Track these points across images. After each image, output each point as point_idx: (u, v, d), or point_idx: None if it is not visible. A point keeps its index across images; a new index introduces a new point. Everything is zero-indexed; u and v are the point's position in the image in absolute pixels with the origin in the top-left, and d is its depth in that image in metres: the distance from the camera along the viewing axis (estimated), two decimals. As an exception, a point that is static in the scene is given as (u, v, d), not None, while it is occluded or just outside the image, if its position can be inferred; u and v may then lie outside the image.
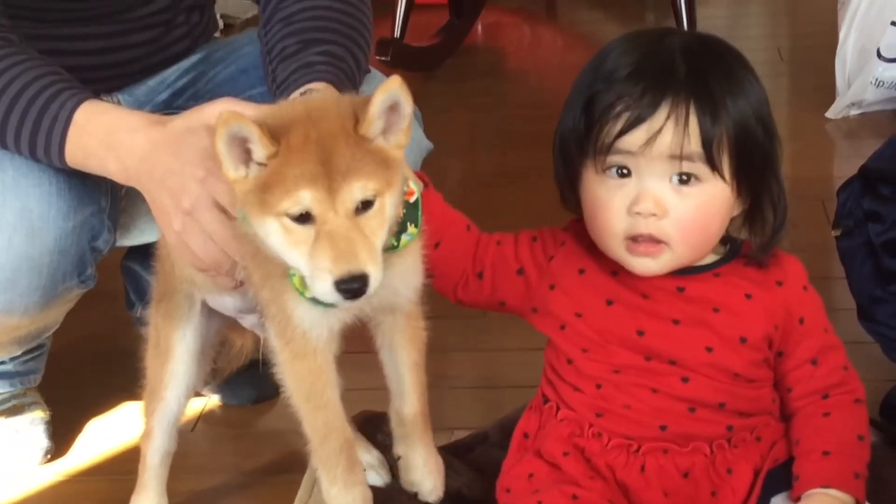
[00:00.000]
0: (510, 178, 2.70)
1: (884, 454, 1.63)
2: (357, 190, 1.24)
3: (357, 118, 1.26)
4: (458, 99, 3.41)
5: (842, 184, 1.81)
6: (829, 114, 3.00)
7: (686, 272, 1.39)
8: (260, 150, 1.25)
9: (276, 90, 1.55)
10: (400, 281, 1.36)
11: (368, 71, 1.65)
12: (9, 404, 1.87)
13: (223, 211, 1.36)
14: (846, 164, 2.57)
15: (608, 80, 1.36)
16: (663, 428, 1.39)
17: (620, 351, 1.40)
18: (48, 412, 1.88)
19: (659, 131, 1.32)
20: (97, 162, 1.46)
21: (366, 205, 1.26)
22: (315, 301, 1.31)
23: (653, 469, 1.39)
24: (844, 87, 3.00)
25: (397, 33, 3.47)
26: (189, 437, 1.89)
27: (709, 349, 1.38)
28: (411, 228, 1.34)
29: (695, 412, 1.39)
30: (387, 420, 1.50)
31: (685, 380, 1.38)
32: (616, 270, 1.41)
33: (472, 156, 3.08)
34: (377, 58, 3.37)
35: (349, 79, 1.55)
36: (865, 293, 1.76)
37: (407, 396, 1.45)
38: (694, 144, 1.33)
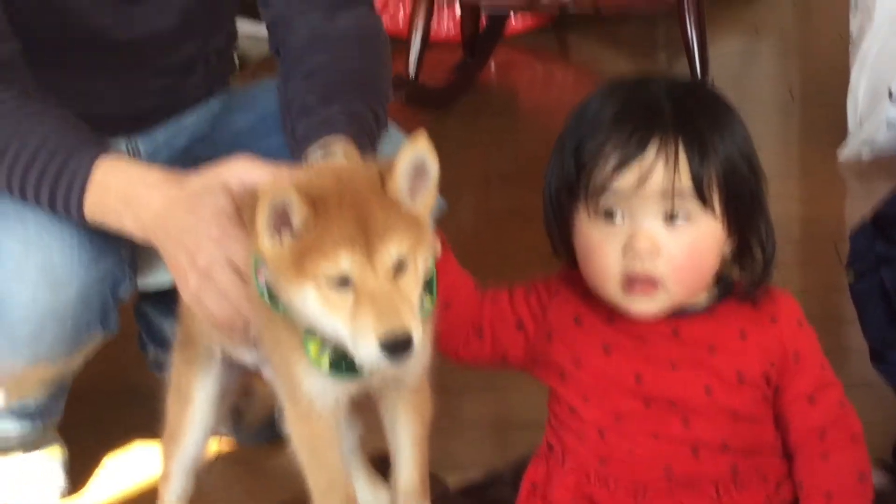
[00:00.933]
0: (522, 217, 2.71)
1: (895, 498, 1.64)
2: (394, 251, 1.25)
3: (384, 179, 1.28)
4: (471, 137, 3.42)
5: (854, 227, 1.82)
6: (841, 154, 3.00)
7: (680, 314, 1.40)
8: (298, 216, 1.26)
9: (295, 144, 1.57)
10: (414, 363, 1.36)
11: (387, 127, 1.67)
12: (27, 442, 1.88)
13: (238, 271, 1.37)
14: (858, 206, 2.58)
15: (595, 125, 1.37)
16: (668, 471, 1.39)
17: (620, 398, 1.40)
18: (65, 450, 1.89)
19: (650, 170, 1.34)
20: (115, 218, 1.48)
21: (401, 265, 1.27)
22: (333, 372, 1.32)
23: None
24: (856, 127, 3.00)
25: (411, 72, 3.49)
26: (204, 475, 1.89)
27: (708, 390, 1.39)
28: (427, 301, 1.35)
29: (698, 454, 1.40)
30: None
31: (686, 422, 1.39)
32: (611, 316, 1.42)
33: (485, 194, 3.09)
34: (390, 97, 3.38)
35: (368, 134, 1.57)
36: (878, 336, 1.77)
37: (405, 470, 1.46)
38: (685, 180, 1.34)
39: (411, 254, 1.27)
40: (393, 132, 1.71)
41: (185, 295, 1.43)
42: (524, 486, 1.49)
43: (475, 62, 3.82)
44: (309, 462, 1.41)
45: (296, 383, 1.36)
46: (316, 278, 1.25)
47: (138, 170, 1.49)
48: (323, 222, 1.25)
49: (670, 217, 1.35)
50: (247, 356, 1.49)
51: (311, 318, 1.28)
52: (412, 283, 1.27)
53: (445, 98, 3.62)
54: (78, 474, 1.89)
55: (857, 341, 1.88)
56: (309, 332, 1.32)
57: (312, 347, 1.32)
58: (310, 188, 1.27)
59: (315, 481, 1.41)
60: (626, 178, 1.35)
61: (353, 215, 1.25)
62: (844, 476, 1.42)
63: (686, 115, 1.36)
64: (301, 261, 1.26)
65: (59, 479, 1.86)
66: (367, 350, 1.24)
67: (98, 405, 2.09)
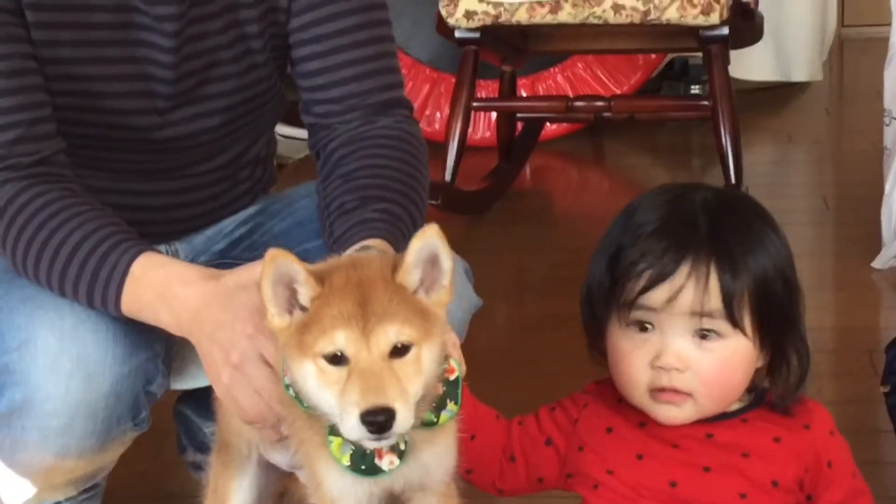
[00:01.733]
0: (556, 323, 2.71)
1: None
2: (392, 333, 1.27)
3: (395, 268, 1.30)
4: (505, 242, 3.44)
5: (890, 341, 1.82)
6: (876, 264, 2.99)
7: (713, 419, 1.41)
8: (305, 291, 1.29)
9: (332, 244, 1.59)
10: (434, 460, 1.37)
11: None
12: (62, 546, 1.88)
13: (270, 367, 1.39)
14: (893, 316, 2.58)
15: (633, 237, 1.39)
16: None
17: None
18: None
19: (680, 289, 1.36)
20: (151, 313, 1.51)
21: (402, 351, 1.28)
22: (353, 471, 1.33)
23: None
24: (891, 237, 2.99)
25: (447, 177, 3.52)
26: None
27: (743, 496, 1.39)
28: (451, 406, 1.35)
29: None
30: None
31: None
32: (644, 422, 1.43)
33: (519, 299, 3.10)
34: (427, 201, 3.41)
35: (405, 237, 1.59)
36: (913, 449, 1.76)
37: None
38: (714, 302, 1.36)
39: (415, 342, 1.28)
40: None
41: (219, 390, 1.45)
42: None
43: (510, 167, 3.85)
44: None
45: (318, 481, 1.37)
46: (315, 355, 1.28)
47: (176, 267, 1.52)
48: (326, 300, 1.28)
49: (700, 334, 1.37)
50: (280, 457, 1.50)
51: (309, 394, 1.30)
52: (410, 370, 1.28)
53: (480, 203, 3.65)
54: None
55: (891, 454, 1.88)
56: (333, 430, 1.33)
57: (335, 444, 1.33)
58: (320, 268, 1.31)
59: None
60: (657, 295, 1.37)
61: (355, 295, 1.27)
62: None
63: (720, 235, 1.37)
64: (303, 336, 1.28)
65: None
66: (350, 423, 1.25)
67: (133, 505, 2.10)
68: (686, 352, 1.37)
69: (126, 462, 1.79)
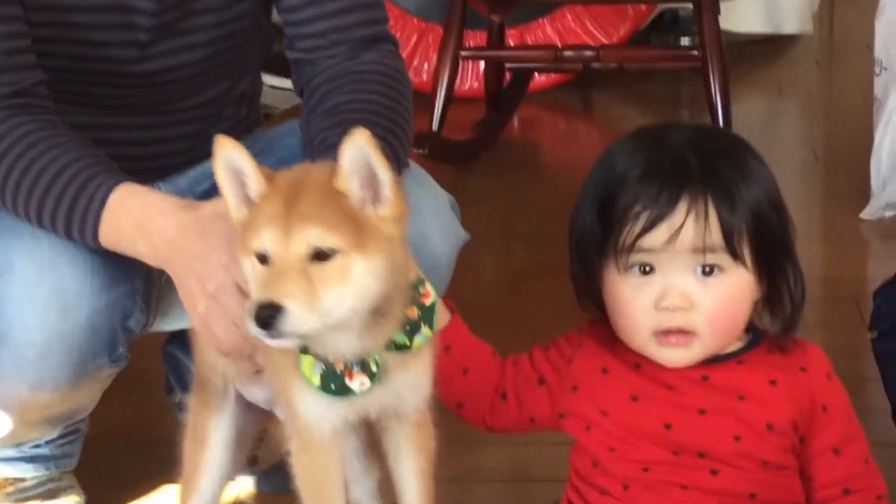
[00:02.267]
0: (544, 273, 2.71)
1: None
2: (312, 235, 1.26)
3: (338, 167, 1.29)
4: (493, 192, 3.43)
5: (878, 286, 1.81)
6: (864, 215, 3.00)
7: (709, 361, 1.40)
8: (253, 185, 1.30)
9: None
10: (407, 388, 1.37)
11: (408, 165, 1.68)
12: (44, 488, 1.87)
13: (246, 296, 1.38)
14: (881, 266, 2.58)
15: (622, 182, 1.38)
16: None
17: (649, 447, 1.40)
18: (83, 497, 1.89)
19: (680, 227, 1.35)
20: (129, 244, 1.50)
21: (324, 256, 1.26)
22: (323, 390, 1.32)
23: None
24: (879, 188, 3.00)
25: (435, 126, 3.50)
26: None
27: (737, 438, 1.38)
28: (425, 330, 1.35)
29: None
30: None
31: (715, 472, 1.39)
32: (639, 363, 1.42)
33: (507, 250, 3.09)
34: (414, 150, 3.39)
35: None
36: (901, 396, 1.76)
37: (412, 495, 1.45)
38: (715, 236, 1.35)
39: (342, 250, 1.26)
40: (417, 170, 1.72)
41: (195, 321, 1.45)
42: (544, 543, 1.49)
43: (498, 118, 3.83)
44: (308, 494, 1.41)
45: (292, 406, 1.36)
46: (249, 252, 1.28)
47: (153, 197, 1.51)
48: (266, 198, 1.29)
49: (702, 271, 1.36)
50: (257, 393, 1.49)
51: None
52: (331, 276, 1.26)
53: (468, 153, 3.63)
54: (96, 521, 1.89)
55: (879, 401, 1.88)
56: (303, 351, 1.33)
57: (305, 363, 1.32)
58: (272, 170, 1.32)
59: None
60: (657, 236, 1.35)
61: (288, 196, 1.28)
62: None
63: (713, 168, 1.37)
64: (244, 233, 1.30)
65: (76, 526, 1.86)
66: (249, 322, 1.25)
67: (119, 453, 2.09)
68: (690, 290, 1.36)
69: (111, 408, 1.79)
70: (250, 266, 1.29)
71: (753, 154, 1.42)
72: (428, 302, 1.35)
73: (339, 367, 1.32)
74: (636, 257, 1.37)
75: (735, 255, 1.36)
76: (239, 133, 1.87)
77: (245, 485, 1.98)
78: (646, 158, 1.38)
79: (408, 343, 1.34)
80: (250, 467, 1.97)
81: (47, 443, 1.86)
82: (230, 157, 1.31)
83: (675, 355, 1.39)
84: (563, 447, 1.49)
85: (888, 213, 2.99)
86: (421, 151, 3.38)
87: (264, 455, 1.91)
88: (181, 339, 1.97)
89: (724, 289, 1.37)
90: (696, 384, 1.40)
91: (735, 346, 1.42)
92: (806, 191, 3.25)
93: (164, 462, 1.93)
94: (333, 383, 1.32)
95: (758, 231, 1.37)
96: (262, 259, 1.28)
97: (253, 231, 1.28)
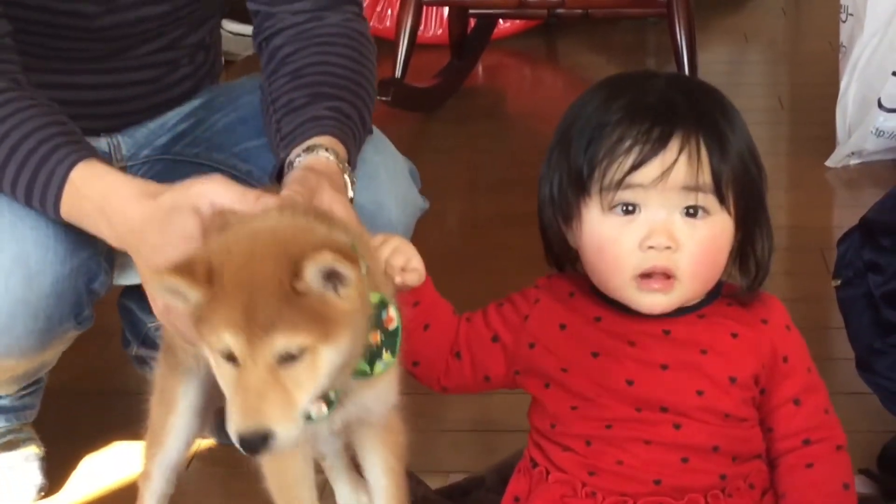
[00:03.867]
0: (509, 221, 2.70)
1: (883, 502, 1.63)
2: (279, 343, 1.20)
3: (297, 269, 1.21)
4: (458, 140, 3.41)
5: (842, 234, 1.81)
6: (830, 163, 3.00)
7: (671, 315, 1.39)
8: (193, 294, 1.22)
9: (279, 141, 1.56)
10: (373, 402, 1.35)
11: (371, 132, 1.66)
12: (4, 439, 1.85)
13: None
14: (846, 214, 2.58)
15: (603, 122, 1.35)
16: (657, 483, 1.37)
17: (611, 403, 1.38)
18: (43, 448, 1.87)
19: (673, 164, 1.33)
20: (91, 224, 1.48)
21: (293, 357, 1.21)
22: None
23: None
24: (845, 136, 3.00)
25: (398, 73, 3.47)
26: (182, 474, 1.87)
27: (700, 392, 1.37)
28: (387, 356, 1.31)
29: (688, 462, 1.38)
30: None
31: (677, 426, 1.38)
32: (599, 316, 1.40)
33: (472, 198, 3.08)
34: (378, 97, 3.37)
35: (354, 137, 1.56)
36: (864, 344, 1.76)
37: (382, 500, 1.43)
38: (706, 176, 1.34)
39: (309, 347, 1.21)
40: (377, 136, 1.70)
41: (156, 312, 1.43)
42: (506, 498, 1.47)
43: (462, 65, 3.80)
44: (279, 495, 1.39)
45: None
46: (210, 345, 1.24)
47: (115, 179, 1.47)
48: (216, 297, 1.22)
49: (690, 212, 1.35)
50: None
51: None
52: (303, 376, 1.22)
53: (432, 100, 3.61)
54: (56, 473, 1.87)
55: (842, 350, 1.88)
56: None
57: None
58: (218, 258, 1.23)
59: None
60: (647, 173, 1.34)
61: (243, 300, 1.21)
62: (829, 487, 1.41)
63: (703, 110, 1.36)
64: (199, 325, 1.24)
65: (36, 477, 1.84)
66: (233, 437, 1.22)
67: (77, 404, 2.08)
68: (676, 230, 1.35)
69: (70, 359, 1.77)
70: (212, 359, 1.24)
71: (731, 104, 1.40)
72: (391, 327, 1.32)
73: None
74: (622, 195, 1.35)
75: (722, 198, 1.35)
76: (199, 80, 1.85)
77: (205, 437, 1.97)
78: (632, 98, 1.36)
79: (368, 371, 1.31)
80: (217, 427, 1.96)
81: (7, 395, 1.84)
82: (167, 286, 1.23)
83: (654, 300, 1.37)
84: (526, 396, 1.48)
85: (853, 161, 3.00)
86: (384, 98, 3.35)
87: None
88: (136, 293, 1.95)
89: (709, 232, 1.36)
90: (658, 339, 1.39)
91: (696, 300, 1.41)
92: (771, 138, 3.25)
93: (122, 413, 1.92)
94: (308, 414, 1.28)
95: (741, 179, 1.36)
96: (229, 357, 1.22)
97: (212, 329, 1.22)
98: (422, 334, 1.44)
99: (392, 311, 1.32)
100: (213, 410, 1.57)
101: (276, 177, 1.52)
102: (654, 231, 1.34)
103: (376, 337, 1.31)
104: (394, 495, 1.43)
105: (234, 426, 1.21)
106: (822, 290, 2.11)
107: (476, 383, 1.48)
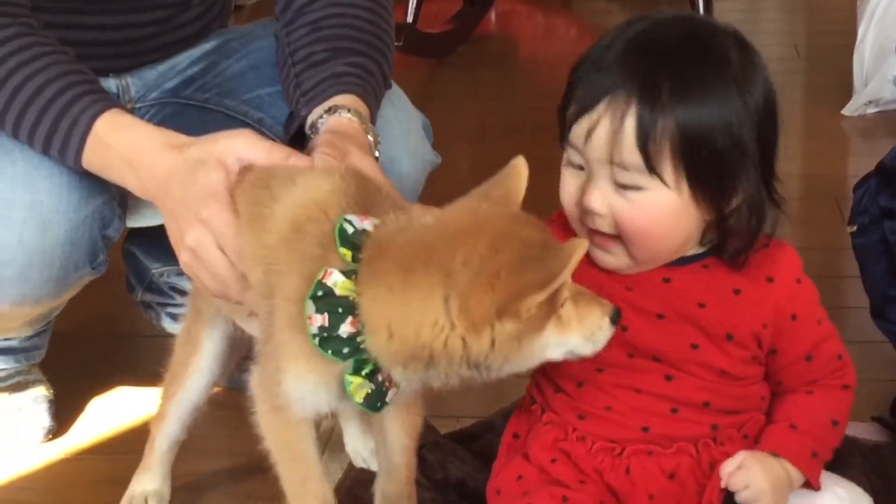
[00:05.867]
0: (520, 168, 2.68)
1: (893, 454, 1.62)
2: None
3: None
4: (469, 87, 3.39)
5: (858, 180, 1.79)
6: (846, 111, 2.98)
7: (673, 263, 1.35)
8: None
9: (299, 97, 1.54)
10: (405, 384, 1.31)
11: (390, 87, 1.64)
12: (12, 381, 1.86)
13: (225, 251, 1.35)
14: (862, 163, 2.54)
15: (588, 63, 1.32)
16: (645, 430, 1.36)
17: (604, 347, 1.34)
18: (51, 390, 1.87)
19: (592, 129, 1.28)
20: (117, 175, 1.46)
21: None
22: (368, 408, 1.27)
23: (637, 471, 1.36)
24: (861, 84, 2.97)
25: (410, 19, 3.45)
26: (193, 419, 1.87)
27: (694, 346, 1.35)
28: None
29: (677, 413, 1.35)
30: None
31: (669, 378, 1.35)
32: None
33: (482, 144, 3.06)
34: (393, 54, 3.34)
35: (375, 94, 1.55)
36: (879, 291, 1.74)
37: (392, 482, 1.43)
38: (629, 153, 1.28)
39: None
40: (394, 89, 1.68)
41: (181, 263, 1.41)
42: (506, 434, 1.46)
43: (475, 11, 3.77)
44: (280, 454, 1.36)
45: (280, 381, 1.30)
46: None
47: (141, 131, 1.45)
48: None
49: (619, 184, 1.30)
50: (254, 329, 1.45)
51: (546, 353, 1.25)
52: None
53: (443, 46, 3.58)
54: (64, 415, 1.87)
55: (857, 298, 1.86)
56: (356, 369, 1.25)
57: (353, 384, 1.26)
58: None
59: (289, 479, 1.37)
60: (577, 133, 1.31)
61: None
62: (818, 415, 1.38)
63: (655, 78, 1.27)
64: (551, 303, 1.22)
65: (44, 419, 1.84)
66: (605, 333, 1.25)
67: (85, 347, 2.08)
68: (606, 197, 1.30)
69: (78, 303, 1.76)
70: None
71: (724, 74, 1.29)
72: None
73: (387, 384, 1.27)
74: (569, 151, 1.32)
75: (653, 171, 1.28)
76: (209, 21, 1.82)
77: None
78: (621, 45, 1.30)
79: None
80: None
81: (18, 336, 1.84)
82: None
83: (602, 258, 1.35)
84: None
85: (870, 110, 2.98)
86: (396, 44, 3.32)
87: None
88: (141, 238, 1.94)
89: (641, 205, 1.30)
90: (657, 286, 1.35)
91: (696, 249, 1.36)
92: (787, 87, 3.22)
93: (129, 357, 1.92)
94: (379, 401, 1.28)
95: (692, 154, 1.28)
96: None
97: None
98: None
99: None
100: (234, 360, 1.57)
101: (294, 133, 1.51)
102: (587, 194, 1.31)
103: None
104: (404, 475, 1.42)
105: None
106: (837, 239, 2.10)
107: None
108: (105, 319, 2.16)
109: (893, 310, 1.72)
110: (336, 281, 1.22)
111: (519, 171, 1.27)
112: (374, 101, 1.53)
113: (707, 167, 1.29)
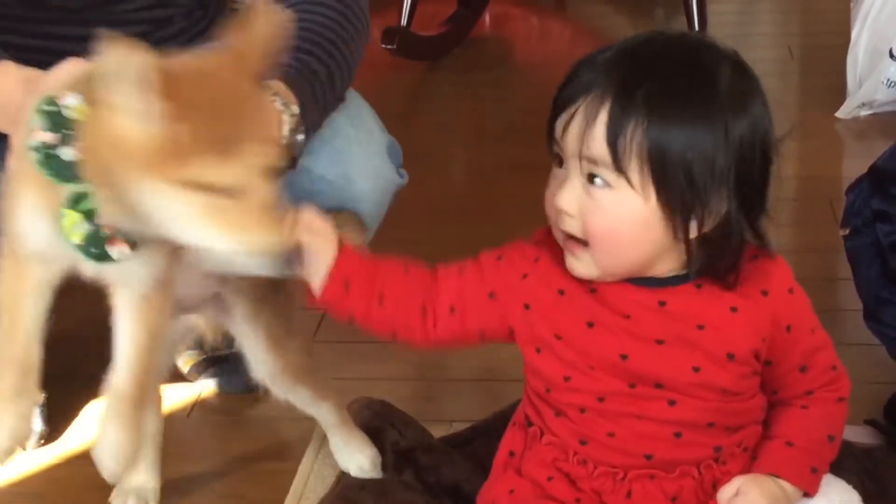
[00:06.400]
0: (514, 171, 2.68)
1: (886, 457, 1.62)
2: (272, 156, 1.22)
3: None
4: (464, 90, 3.38)
5: (851, 183, 1.79)
6: (840, 113, 2.98)
7: (666, 283, 1.33)
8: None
9: None
10: (124, 273, 1.31)
11: (342, 99, 1.64)
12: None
13: None
14: (855, 165, 2.55)
15: (575, 69, 1.30)
16: (649, 457, 1.35)
17: (604, 377, 1.34)
18: (43, 395, 1.86)
19: (568, 122, 1.27)
20: None
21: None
22: (82, 251, 1.25)
23: (639, 495, 1.35)
24: (855, 86, 2.97)
25: (404, 21, 3.44)
26: (184, 423, 1.87)
27: (696, 369, 1.33)
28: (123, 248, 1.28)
29: (681, 437, 1.34)
30: (398, 414, 1.46)
31: (672, 403, 1.34)
32: (594, 288, 1.34)
33: (477, 147, 3.05)
34: (383, 46, 3.34)
35: (313, 93, 1.52)
36: (872, 294, 1.74)
37: (120, 373, 1.41)
38: (598, 147, 1.26)
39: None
40: (359, 109, 1.68)
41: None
42: (501, 452, 1.44)
43: (469, 13, 3.77)
44: (5, 305, 1.33)
45: (16, 227, 1.29)
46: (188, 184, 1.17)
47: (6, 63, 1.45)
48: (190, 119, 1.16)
49: (589, 178, 1.28)
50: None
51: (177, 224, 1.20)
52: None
53: (438, 49, 3.58)
54: (57, 419, 1.87)
55: (850, 301, 1.86)
56: (71, 205, 1.24)
57: (69, 219, 1.24)
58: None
59: None
60: (557, 126, 1.29)
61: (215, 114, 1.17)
62: (814, 432, 1.38)
63: (633, 86, 1.25)
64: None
65: (36, 423, 1.83)
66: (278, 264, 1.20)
67: (76, 350, 2.06)
68: (577, 197, 1.28)
69: (70, 307, 1.74)
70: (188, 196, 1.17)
71: (713, 99, 1.26)
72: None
73: (106, 232, 1.24)
74: (554, 146, 1.31)
75: (620, 172, 1.25)
76: (193, 38, 1.78)
77: (207, 386, 1.96)
78: (612, 50, 1.29)
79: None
80: (205, 369, 1.96)
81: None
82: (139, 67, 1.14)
83: (571, 263, 1.32)
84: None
85: (863, 112, 2.97)
86: (390, 47, 3.32)
87: (210, 351, 1.89)
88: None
89: (606, 204, 1.27)
90: (654, 311, 1.33)
91: (681, 271, 1.33)
92: (781, 89, 3.22)
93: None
94: (95, 247, 1.25)
95: (659, 163, 1.25)
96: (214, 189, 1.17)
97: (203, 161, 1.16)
98: (380, 308, 1.38)
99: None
100: (203, 358, 1.56)
101: None
102: (560, 197, 1.29)
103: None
104: (133, 370, 1.39)
105: (278, 246, 1.18)
106: (831, 241, 2.09)
107: (469, 337, 1.42)
108: (97, 322, 2.15)
109: (886, 312, 1.72)
110: (71, 102, 1.22)
111: (263, 19, 1.23)
112: (308, 97, 1.50)
113: (674, 180, 1.26)
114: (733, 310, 1.33)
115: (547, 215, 1.34)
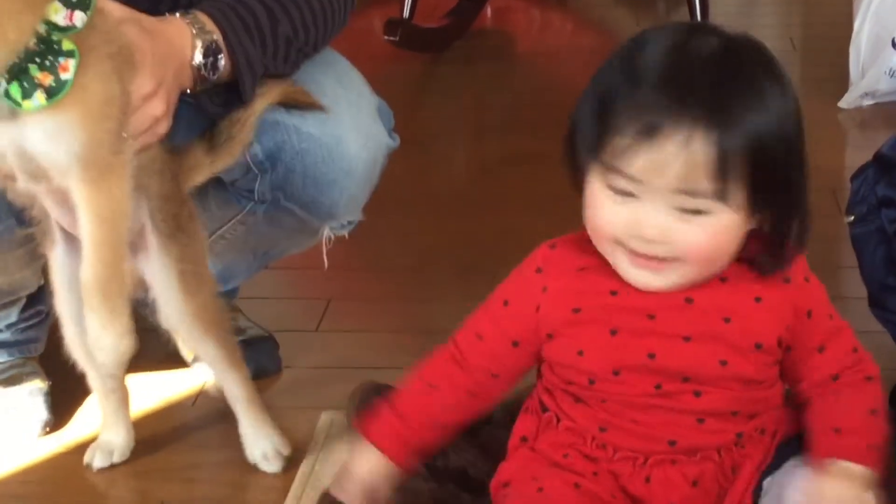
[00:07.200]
0: (517, 164, 2.67)
1: (891, 443, 1.61)
2: None
3: None
4: (465, 82, 3.38)
5: (856, 170, 1.79)
6: (842, 104, 2.98)
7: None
8: None
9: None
10: (45, 138, 1.32)
11: (313, 46, 1.63)
12: (7, 374, 1.85)
13: None
14: (858, 155, 2.54)
15: (630, 83, 1.26)
16: (672, 444, 1.34)
17: (630, 378, 1.33)
18: (48, 383, 1.86)
19: (663, 162, 1.23)
20: None
21: None
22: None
23: (658, 479, 1.34)
24: (858, 76, 2.97)
25: (406, 13, 3.44)
26: (189, 411, 1.87)
27: (723, 363, 1.32)
28: (41, 99, 1.30)
29: (703, 423, 1.34)
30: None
31: (698, 394, 1.33)
32: (615, 290, 1.33)
33: (479, 140, 3.05)
34: (385, 38, 3.34)
35: (246, 28, 1.53)
36: (877, 281, 1.74)
37: (84, 267, 1.41)
38: (703, 181, 1.23)
39: None
40: (345, 70, 1.67)
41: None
42: (513, 438, 1.44)
43: (471, 5, 3.77)
44: None
45: None
46: None
47: None
48: None
49: (682, 210, 1.26)
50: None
51: None
52: None
53: (440, 41, 3.57)
54: (62, 407, 1.86)
55: (855, 289, 1.86)
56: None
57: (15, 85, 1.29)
58: None
59: None
60: (637, 165, 1.24)
61: None
62: (855, 412, 1.37)
63: (720, 101, 1.22)
64: None
65: (41, 412, 1.83)
66: None
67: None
68: (667, 226, 1.26)
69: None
70: None
71: (776, 79, 1.27)
72: (63, 76, 1.30)
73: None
74: (617, 181, 1.26)
75: (725, 198, 1.24)
76: None
77: (210, 374, 1.96)
78: (663, 64, 1.25)
79: (20, 102, 1.29)
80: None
81: (9, 328, 1.83)
82: None
83: (646, 279, 1.30)
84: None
85: (866, 102, 2.97)
86: (392, 39, 3.32)
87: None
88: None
89: (707, 229, 1.26)
90: (680, 309, 1.31)
91: (704, 279, 1.32)
92: (783, 80, 3.21)
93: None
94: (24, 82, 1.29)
95: (757, 172, 1.24)
96: None
97: None
98: (443, 429, 1.43)
99: (71, 65, 1.30)
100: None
101: None
102: (644, 225, 1.26)
103: (46, 77, 1.29)
104: (93, 260, 1.40)
105: None
106: (835, 231, 2.09)
107: (521, 375, 1.42)
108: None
109: (891, 299, 1.72)
110: None
111: None
112: (238, 27, 1.51)
113: (770, 183, 1.26)
114: (757, 300, 1.33)
115: (593, 235, 1.31)
